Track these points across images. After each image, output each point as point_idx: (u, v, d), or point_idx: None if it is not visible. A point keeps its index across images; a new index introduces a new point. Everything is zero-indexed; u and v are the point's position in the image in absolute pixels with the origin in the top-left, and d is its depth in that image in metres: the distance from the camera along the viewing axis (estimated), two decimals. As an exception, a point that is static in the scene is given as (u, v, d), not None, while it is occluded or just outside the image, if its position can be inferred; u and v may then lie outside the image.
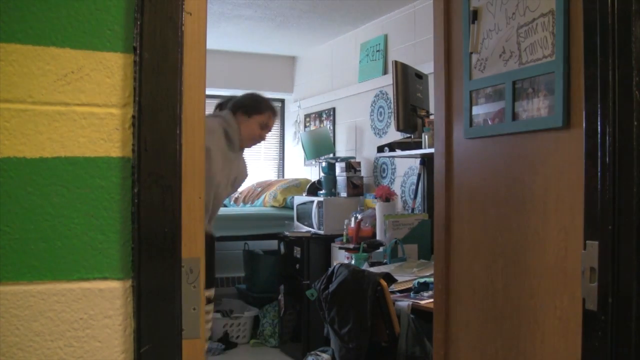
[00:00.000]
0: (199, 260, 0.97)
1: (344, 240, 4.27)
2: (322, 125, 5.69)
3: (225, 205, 5.31)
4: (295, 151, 6.25)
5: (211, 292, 2.69)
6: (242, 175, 2.89)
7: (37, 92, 0.88)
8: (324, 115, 5.69)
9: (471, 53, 1.77)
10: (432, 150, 2.21)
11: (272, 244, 5.18)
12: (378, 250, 3.73)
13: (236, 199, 5.61)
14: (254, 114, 2.78)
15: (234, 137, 2.72)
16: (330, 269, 3.02)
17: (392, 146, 3.86)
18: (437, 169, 1.93)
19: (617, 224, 1.17)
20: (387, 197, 4.03)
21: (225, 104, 2.87)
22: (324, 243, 4.55)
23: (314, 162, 5.59)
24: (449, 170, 1.89)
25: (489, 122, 1.71)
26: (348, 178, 4.67)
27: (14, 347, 0.87)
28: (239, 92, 6.69)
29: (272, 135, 6.58)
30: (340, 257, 4.26)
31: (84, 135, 0.90)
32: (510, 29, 1.63)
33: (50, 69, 0.89)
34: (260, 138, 2.87)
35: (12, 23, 0.87)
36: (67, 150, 0.89)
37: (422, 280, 2.91)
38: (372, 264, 3.50)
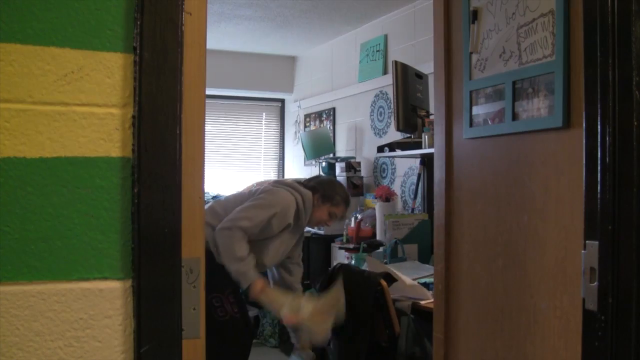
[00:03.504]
0: (199, 260, 0.97)
1: (344, 240, 4.27)
2: (322, 125, 5.69)
3: None
4: (295, 151, 6.25)
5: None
6: (289, 249, 3.07)
7: (37, 92, 0.88)
8: (324, 115, 5.70)
9: (471, 53, 1.77)
10: (432, 150, 2.21)
11: (272, 244, 5.18)
12: (378, 250, 3.73)
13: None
14: (327, 202, 2.95)
15: (303, 218, 2.91)
16: (330, 269, 3.02)
17: (392, 146, 3.86)
18: (437, 169, 1.93)
19: (617, 224, 1.17)
20: (387, 197, 4.03)
21: (311, 180, 3.06)
22: (324, 243, 4.55)
23: (314, 162, 5.59)
24: (449, 170, 1.89)
25: (489, 122, 1.71)
26: (348, 178, 4.67)
27: (14, 347, 0.87)
28: (239, 93, 6.63)
29: (272, 135, 6.59)
30: (340, 257, 4.26)
31: (84, 135, 0.90)
32: (510, 29, 1.63)
33: (50, 69, 0.89)
34: (325, 224, 3.10)
35: (12, 23, 0.87)
36: (67, 150, 0.89)
37: (422, 280, 2.91)
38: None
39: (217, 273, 2.66)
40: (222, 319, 2.76)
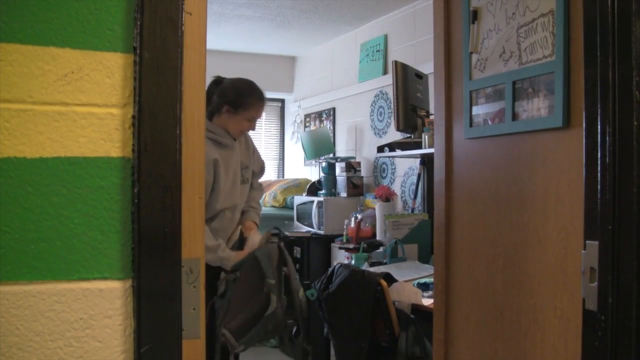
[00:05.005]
0: (199, 260, 0.97)
1: (344, 240, 4.27)
2: (322, 125, 5.69)
3: None
4: (295, 151, 6.25)
5: None
6: (245, 155, 2.87)
7: (37, 92, 0.88)
8: (324, 115, 5.70)
9: (471, 53, 1.77)
10: (432, 150, 2.21)
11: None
12: (378, 250, 3.73)
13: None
14: (240, 109, 2.73)
15: (223, 138, 2.71)
16: (330, 269, 3.02)
17: (392, 146, 3.86)
18: (437, 169, 1.93)
19: (617, 224, 1.17)
20: (387, 197, 4.03)
21: (212, 91, 2.79)
22: (324, 243, 4.54)
23: (314, 162, 5.59)
24: (449, 170, 1.89)
25: (489, 122, 1.71)
26: (348, 178, 4.67)
27: (14, 347, 0.87)
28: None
29: (272, 135, 6.59)
30: (340, 257, 4.26)
31: (84, 135, 0.90)
32: (510, 29, 1.63)
33: (50, 69, 0.89)
34: (249, 129, 2.84)
35: (12, 23, 0.87)
36: (67, 150, 0.89)
37: (422, 280, 2.91)
38: (372, 264, 3.50)
39: None
40: None
